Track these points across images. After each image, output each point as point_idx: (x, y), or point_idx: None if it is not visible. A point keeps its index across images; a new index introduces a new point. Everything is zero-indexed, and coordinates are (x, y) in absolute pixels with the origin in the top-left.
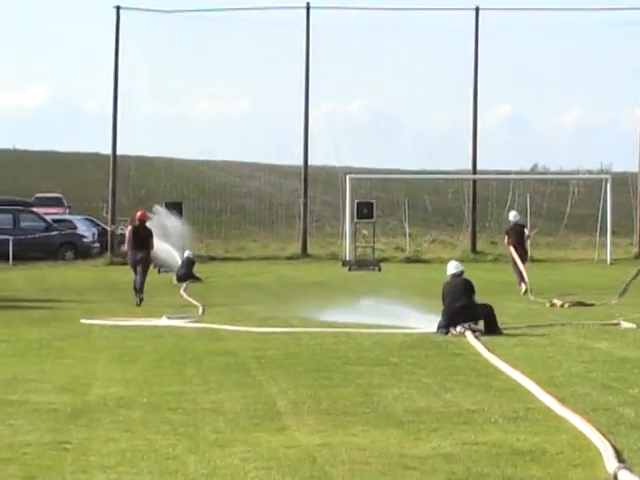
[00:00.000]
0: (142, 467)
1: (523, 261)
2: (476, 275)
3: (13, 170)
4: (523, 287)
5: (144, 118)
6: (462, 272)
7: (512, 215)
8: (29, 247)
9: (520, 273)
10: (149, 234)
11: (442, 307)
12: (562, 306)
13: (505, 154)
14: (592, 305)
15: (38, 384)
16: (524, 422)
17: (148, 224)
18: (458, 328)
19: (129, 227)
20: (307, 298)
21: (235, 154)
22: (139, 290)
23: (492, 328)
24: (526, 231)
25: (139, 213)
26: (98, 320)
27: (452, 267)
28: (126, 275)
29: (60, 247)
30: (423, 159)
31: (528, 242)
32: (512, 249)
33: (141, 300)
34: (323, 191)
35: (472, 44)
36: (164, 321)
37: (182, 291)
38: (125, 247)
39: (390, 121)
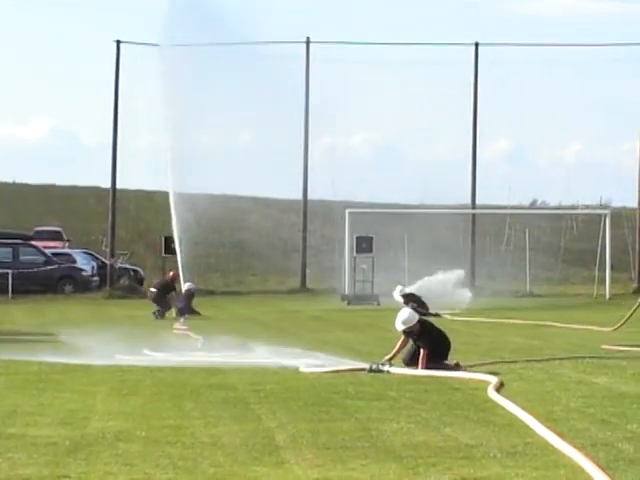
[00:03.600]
0: None
1: None
2: (474, 309)
3: (13, 203)
4: None
5: (144, 152)
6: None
7: None
8: (28, 280)
9: None
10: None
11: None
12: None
13: (504, 188)
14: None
15: (37, 417)
16: (523, 457)
17: None
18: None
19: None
20: (306, 332)
21: (234, 188)
22: None
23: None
24: None
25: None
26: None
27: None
28: (124, 309)
29: (59, 281)
30: (422, 193)
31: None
32: None
33: None
34: (322, 225)
35: (472, 79)
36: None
37: (178, 325)
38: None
39: (390, 155)
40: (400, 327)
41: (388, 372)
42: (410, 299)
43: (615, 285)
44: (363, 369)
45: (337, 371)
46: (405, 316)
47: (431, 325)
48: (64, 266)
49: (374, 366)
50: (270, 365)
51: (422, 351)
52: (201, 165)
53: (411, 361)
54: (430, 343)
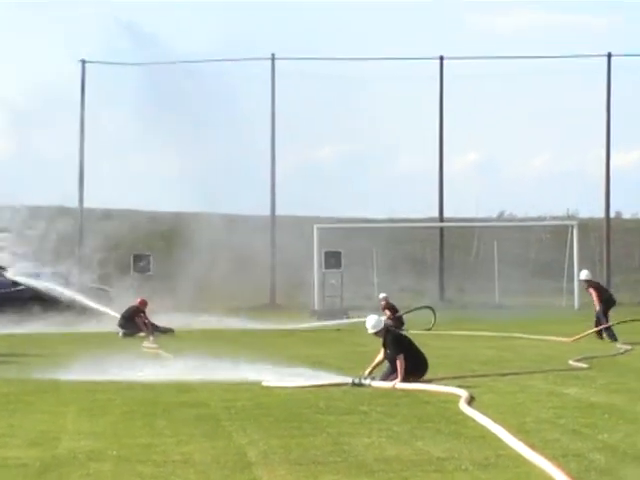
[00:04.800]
0: None
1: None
2: (444, 322)
3: None
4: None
5: (111, 170)
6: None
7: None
8: None
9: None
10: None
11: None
12: None
13: (472, 201)
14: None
15: (7, 439)
16: (495, 469)
17: None
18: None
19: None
20: (276, 348)
21: (202, 205)
22: None
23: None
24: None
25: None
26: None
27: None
28: (94, 328)
29: (28, 301)
30: (390, 207)
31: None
32: None
33: None
34: (291, 241)
35: (437, 92)
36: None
37: (148, 343)
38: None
39: (357, 169)
40: (370, 330)
41: (370, 385)
42: (390, 309)
43: (584, 296)
44: (346, 383)
45: (321, 385)
46: (373, 321)
47: (404, 337)
48: (33, 286)
49: (356, 380)
50: (242, 381)
51: (399, 361)
52: (166, 183)
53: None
54: (402, 351)
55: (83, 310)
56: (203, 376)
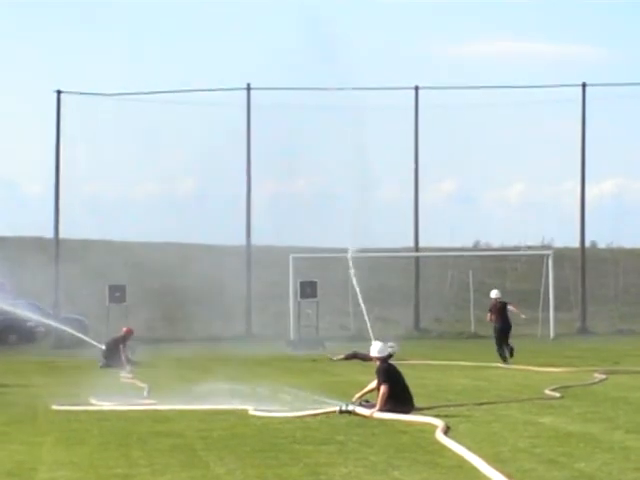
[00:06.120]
0: None
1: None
2: (420, 352)
3: None
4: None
5: (86, 201)
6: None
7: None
8: None
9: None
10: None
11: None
12: None
13: (447, 230)
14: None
15: None
16: None
17: None
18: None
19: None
20: (253, 377)
21: (178, 235)
22: None
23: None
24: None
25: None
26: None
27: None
28: (70, 358)
29: (2, 332)
30: (365, 237)
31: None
32: None
33: None
34: (267, 270)
35: (412, 122)
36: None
37: (125, 373)
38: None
39: (332, 199)
40: (375, 354)
41: (354, 410)
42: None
43: (559, 325)
44: (333, 411)
45: (314, 415)
46: (379, 346)
47: (394, 370)
48: (7, 317)
49: (343, 407)
50: (224, 410)
51: (381, 390)
52: (142, 213)
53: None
54: (387, 381)
55: (60, 340)
56: (178, 406)
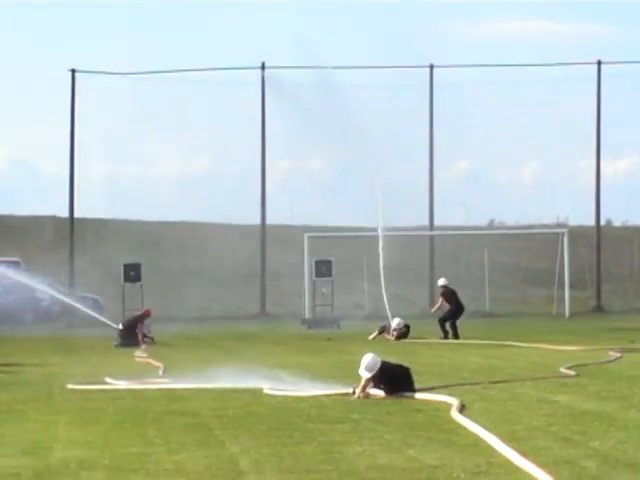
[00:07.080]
0: None
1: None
2: (433, 331)
3: None
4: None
5: (101, 180)
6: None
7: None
8: None
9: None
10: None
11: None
12: None
13: (461, 209)
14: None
15: None
16: (486, 477)
17: None
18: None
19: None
20: (267, 356)
21: (193, 214)
22: None
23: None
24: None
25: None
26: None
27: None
28: (85, 337)
29: (18, 311)
30: (381, 215)
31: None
32: None
33: None
34: (282, 249)
35: (427, 100)
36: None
37: (139, 352)
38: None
39: (347, 178)
40: (365, 374)
41: (368, 393)
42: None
43: (574, 303)
44: (347, 393)
45: (328, 395)
46: (368, 361)
47: (392, 367)
48: (23, 297)
49: (357, 388)
50: (235, 388)
51: (363, 380)
52: (158, 192)
53: None
54: (389, 386)
55: (77, 319)
56: (193, 385)
